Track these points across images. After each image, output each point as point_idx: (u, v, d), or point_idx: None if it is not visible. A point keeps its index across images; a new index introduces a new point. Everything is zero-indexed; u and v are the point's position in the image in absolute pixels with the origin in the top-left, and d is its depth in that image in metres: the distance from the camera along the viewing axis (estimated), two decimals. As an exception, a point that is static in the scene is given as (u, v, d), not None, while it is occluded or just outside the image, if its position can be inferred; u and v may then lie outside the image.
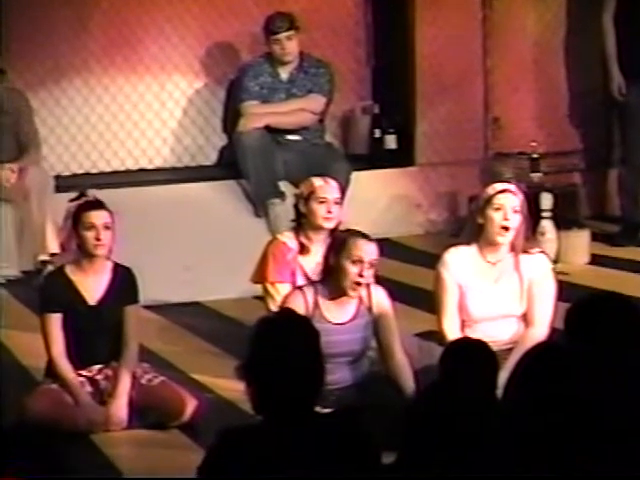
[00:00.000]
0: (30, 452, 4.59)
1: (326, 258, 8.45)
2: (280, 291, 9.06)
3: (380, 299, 8.40)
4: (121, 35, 12.59)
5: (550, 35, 12.94)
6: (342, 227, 8.78)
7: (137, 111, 12.77)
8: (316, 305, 8.25)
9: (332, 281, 8.28)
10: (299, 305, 8.17)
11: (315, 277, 8.71)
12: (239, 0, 12.70)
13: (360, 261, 8.05)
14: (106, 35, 12.56)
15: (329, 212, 9.04)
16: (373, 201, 12.08)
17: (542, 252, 9.29)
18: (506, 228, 8.50)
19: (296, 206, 9.39)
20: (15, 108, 11.64)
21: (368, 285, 8.28)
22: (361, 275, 8.08)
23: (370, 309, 8.34)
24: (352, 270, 8.04)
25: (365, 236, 8.28)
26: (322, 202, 9.14)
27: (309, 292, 8.37)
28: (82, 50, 12.48)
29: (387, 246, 10.05)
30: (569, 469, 4.77)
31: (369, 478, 4.64)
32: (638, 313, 6.06)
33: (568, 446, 4.88)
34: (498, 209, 8.52)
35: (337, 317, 8.24)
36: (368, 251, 8.12)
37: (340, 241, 8.29)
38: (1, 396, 8.68)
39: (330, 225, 8.87)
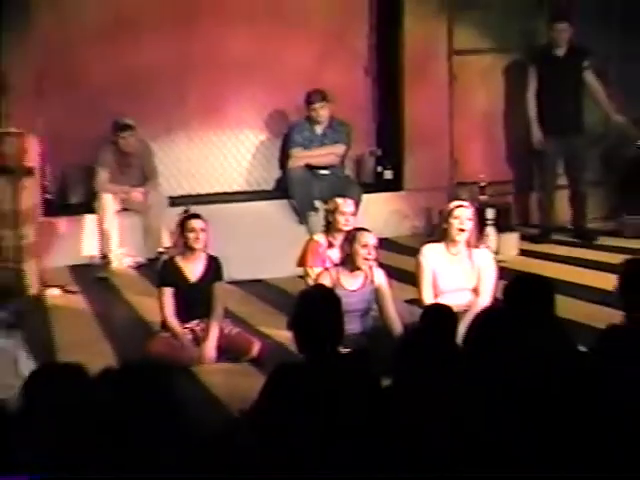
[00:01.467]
0: (149, 379, 4.55)
1: (342, 247, 8.72)
2: (314, 272, 9.21)
3: (379, 276, 8.64)
4: (211, 103, 12.65)
5: (494, 105, 12.98)
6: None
7: (222, 153, 12.84)
8: (337, 280, 8.47)
9: (347, 263, 8.55)
10: (326, 280, 8.46)
11: (337, 262, 8.90)
12: (289, 79, 12.63)
13: (366, 245, 8.36)
14: (200, 102, 12.62)
15: (347, 221, 9.24)
16: (376, 213, 12.09)
17: (487, 247, 9.55)
18: (462, 230, 8.67)
19: (326, 217, 9.56)
20: (141, 152, 11.76)
21: (371, 267, 8.51)
22: (369, 254, 8.34)
23: (372, 282, 8.56)
24: (362, 252, 8.38)
25: (367, 230, 8.54)
26: (342, 214, 9.32)
27: (333, 271, 8.63)
28: (184, 113, 12.56)
29: (385, 243, 10.26)
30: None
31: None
32: (549, 287, 6.23)
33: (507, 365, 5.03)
34: (456, 218, 8.70)
35: (351, 286, 8.48)
36: (370, 238, 8.42)
37: (352, 234, 8.56)
38: (128, 342, 8.96)
39: (347, 229, 8.98)
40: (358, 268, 8.59)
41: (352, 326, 7.69)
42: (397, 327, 8.30)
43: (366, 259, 8.55)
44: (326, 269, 8.97)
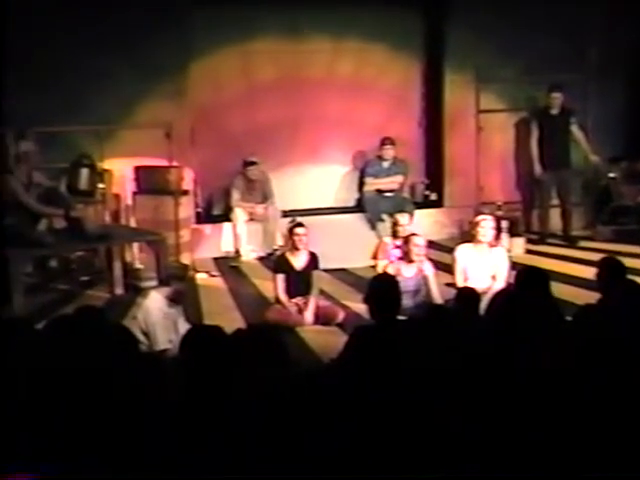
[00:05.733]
0: (267, 337, 4.59)
1: (401, 247, 8.75)
2: (382, 264, 9.22)
3: (428, 268, 8.68)
4: (312, 146, 12.68)
5: (508, 148, 12.91)
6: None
7: (319, 181, 12.78)
8: (398, 270, 8.47)
9: (405, 258, 8.54)
10: (390, 270, 8.45)
11: (398, 257, 8.90)
12: (365, 129, 12.59)
13: (417, 245, 8.54)
14: (304, 146, 12.61)
15: (404, 229, 9.26)
16: (425, 223, 12.02)
17: (502, 247, 9.47)
18: (485, 235, 8.64)
19: (391, 226, 9.61)
20: (263, 179, 11.74)
21: (422, 260, 8.51)
22: (419, 251, 8.51)
23: (422, 272, 8.53)
24: (414, 250, 8.58)
25: (418, 235, 8.75)
26: (400, 225, 9.33)
27: (395, 264, 8.62)
28: (293, 153, 12.57)
29: (431, 244, 10.18)
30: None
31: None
32: (545, 275, 6.20)
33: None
34: (482, 227, 8.68)
35: (407, 274, 8.60)
36: (420, 240, 8.62)
37: (408, 238, 8.68)
38: (253, 311, 8.99)
39: (404, 234, 8.99)
40: (412, 261, 8.61)
41: (406, 301, 7.65)
42: (437, 301, 8.33)
43: (417, 254, 8.58)
44: (390, 262, 9.01)
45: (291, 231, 9.04)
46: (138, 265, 10.22)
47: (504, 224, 11.06)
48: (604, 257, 6.88)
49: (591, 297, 6.64)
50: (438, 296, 8.55)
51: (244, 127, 12.21)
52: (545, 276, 6.24)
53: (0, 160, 9.38)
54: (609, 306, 5.59)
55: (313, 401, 4.18)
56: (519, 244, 11.47)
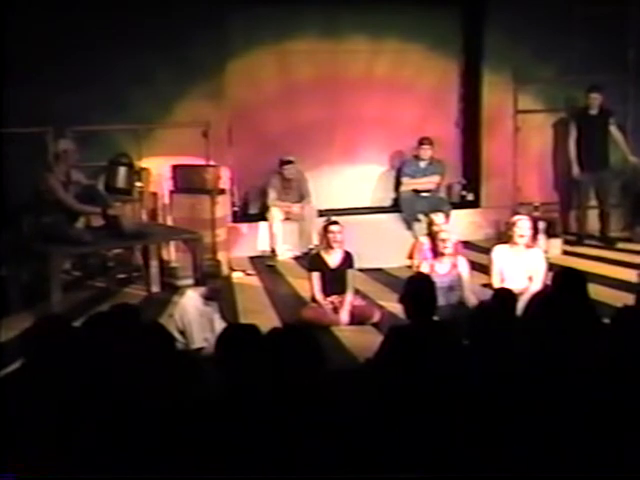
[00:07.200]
0: (303, 336, 4.54)
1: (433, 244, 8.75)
2: (417, 263, 9.19)
3: (462, 264, 8.63)
4: (349, 147, 12.67)
5: (545, 149, 12.82)
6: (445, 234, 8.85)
7: (355, 181, 12.76)
8: (432, 267, 8.46)
9: (437, 256, 8.50)
10: (425, 268, 8.43)
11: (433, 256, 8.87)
12: (402, 130, 12.56)
13: (443, 240, 8.62)
14: (341, 146, 12.61)
15: (440, 229, 9.18)
16: (461, 223, 11.97)
17: (539, 248, 9.41)
18: (522, 236, 8.62)
19: (428, 226, 9.56)
20: (299, 179, 11.73)
21: (455, 256, 8.62)
22: (444, 245, 8.53)
23: (456, 268, 8.50)
24: (440, 244, 8.56)
25: (444, 230, 8.86)
26: (437, 225, 9.29)
27: (430, 262, 8.59)
28: (330, 153, 12.57)
29: (467, 244, 10.21)
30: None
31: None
32: (583, 277, 6.15)
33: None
34: (518, 227, 8.64)
35: (442, 271, 8.57)
36: (445, 235, 8.65)
37: (435, 235, 8.78)
38: (288, 310, 8.98)
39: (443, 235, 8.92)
40: (442, 254, 8.61)
41: (441, 299, 7.43)
42: (472, 301, 8.20)
43: (444, 247, 8.57)
44: (425, 259, 8.98)
45: (326, 229, 9.01)
46: (174, 264, 10.26)
47: (541, 225, 11.00)
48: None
49: (628, 299, 6.63)
50: (470, 295, 8.47)
51: (281, 127, 12.23)
52: (582, 277, 6.20)
53: (40, 158, 9.44)
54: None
55: (347, 400, 4.19)
56: (556, 245, 11.40)
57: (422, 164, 12.12)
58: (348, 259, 8.94)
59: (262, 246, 11.67)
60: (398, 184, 12.40)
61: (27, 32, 10.12)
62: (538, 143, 12.76)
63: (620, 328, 4.93)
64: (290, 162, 11.57)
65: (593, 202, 12.24)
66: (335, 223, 9.05)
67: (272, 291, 9.97)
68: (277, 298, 9.64)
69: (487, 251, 9.15)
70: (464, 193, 12.92)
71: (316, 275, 8.87)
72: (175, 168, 10.86)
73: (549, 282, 6.90)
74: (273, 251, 11.44)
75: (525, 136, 12.55)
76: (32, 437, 4.00)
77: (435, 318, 6.00)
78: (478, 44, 12.63)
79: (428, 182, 12.10)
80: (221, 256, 10.30)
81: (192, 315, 7.63)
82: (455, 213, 11.85)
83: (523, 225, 8.75)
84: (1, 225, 9.24)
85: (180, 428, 3.97)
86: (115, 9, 10.75)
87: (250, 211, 12.23)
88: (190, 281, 8.83)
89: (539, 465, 4.03)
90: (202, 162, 10.70)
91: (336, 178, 12.65)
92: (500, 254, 8.74)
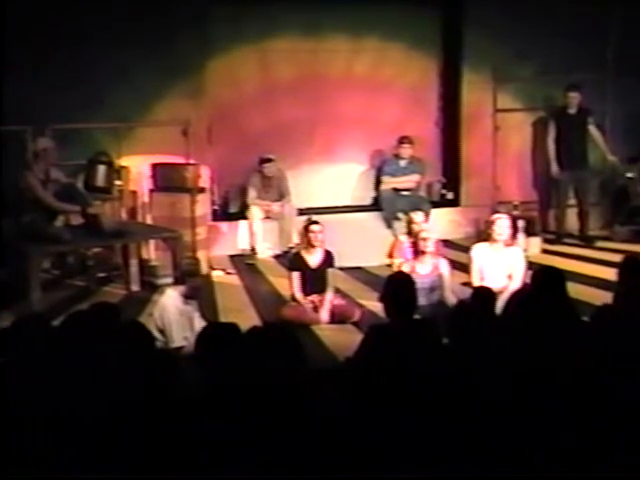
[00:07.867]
0: (282, 335, 4.54)
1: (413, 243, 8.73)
2: (397, 262, 9.19)
3: (443, 266, 8.58)
4: (328, 145, 12.66)
5: (524, 148, 12.88)
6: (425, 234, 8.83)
7: (335, 180, 12.75)
8: (413, 267, 8.43)
9: (418, 256, 8.49)
10: (406, 268, 8.39)
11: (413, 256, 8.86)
12: (381, 129, 12.57)
13: (423, 239, 8.56)
14: (321, 145, 12.59)
15: (419, 227, 9.17)
16: (441, 222, 11.98)
17: (518, 247, 9.42)
18: (501, 235, 8.60)
19: (407, 225, 9.57)
20: (279, 177, 11.73)
21: (436, 257, 8.56)
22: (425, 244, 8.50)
23: (437, 269, 8.49)
24: (421, 243, 8.52)
25: (424, 230, 8.85)
26: (417, 224, 9.29)
27: (410, 262, 8.58)
28: (310, 152, 12.56)
29: (447, 243, 10.20)
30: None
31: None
32: (562, 275, 6.15)
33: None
34: (498, 226, 8.64)
35: (422, 271, 8.51)
36: (425, 234, 8.63)
37: (416, 234, 8.72)
38: (268, 309, 8.95)
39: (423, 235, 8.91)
40: (423, 253, 8.60)
41: (422, 299, 7.47)
42: (452, 300, 8.17)
43: (425, 246, 8.56)
44: (406, 260, 8.97)
45: (306, 229, 9.00)
46: (154, 262, 10.22)
47: (520, 223, 11.01)
48: (626, 256, 6.88)
49: (607, 297, 6.65)
50: (450, 295, 8.46)
51: (261, 125, 12.21)
52: (561, 276, 6.19)
53: (19, 157, 9.37)
54: (629, 305, 5.59)
55: (328, 398, 4.18)
56: (535, 244, 11.42)
57: (402, 163, 12.12)
58: (329, 259, 8.91)
59: (242, 245, 11.65)
60: (378, 183, 12.40)
61: (6, 31, 10.03)
62: (517, 142, 12.80)
63: (599, 326, 4.94)
64: (270, 160, 11.55)
65: (572, 201, 12.27)
66: (316, 223, 9.03)
67: (252, 290, 9.95)
68: (257, 297, 9.62)
69: (467, 250, 9.13)
70: (444, 192, 12.92)
71: (296, 275, 8.85)
72: (155, 166, 10.82)
73: (528, 281, 6.92)
74: (253, 250, 11.42)
75: (504, 135, 12.57)
76: (10, 437, 3.97)
77: (416, 317, 5.99)
78: (458, 43, 12.64)
79: (408, 181, 12.09)
80: (201, 255, 10.26)
81: (172, 314, 7.61)
82: (435, 212, 11.86)
83: (502, 223, 8.74)
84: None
85: (160, 427, 3.95)
86: (96, 8, 10.71)
87: (230, 210, 12.18)
88: (170, 280, 8.80)
89: (519, 463, 4.02)
90: (182, 160, 10.65)
91: (316, 177, 12.65)
92: (480, 253, 8.72)
